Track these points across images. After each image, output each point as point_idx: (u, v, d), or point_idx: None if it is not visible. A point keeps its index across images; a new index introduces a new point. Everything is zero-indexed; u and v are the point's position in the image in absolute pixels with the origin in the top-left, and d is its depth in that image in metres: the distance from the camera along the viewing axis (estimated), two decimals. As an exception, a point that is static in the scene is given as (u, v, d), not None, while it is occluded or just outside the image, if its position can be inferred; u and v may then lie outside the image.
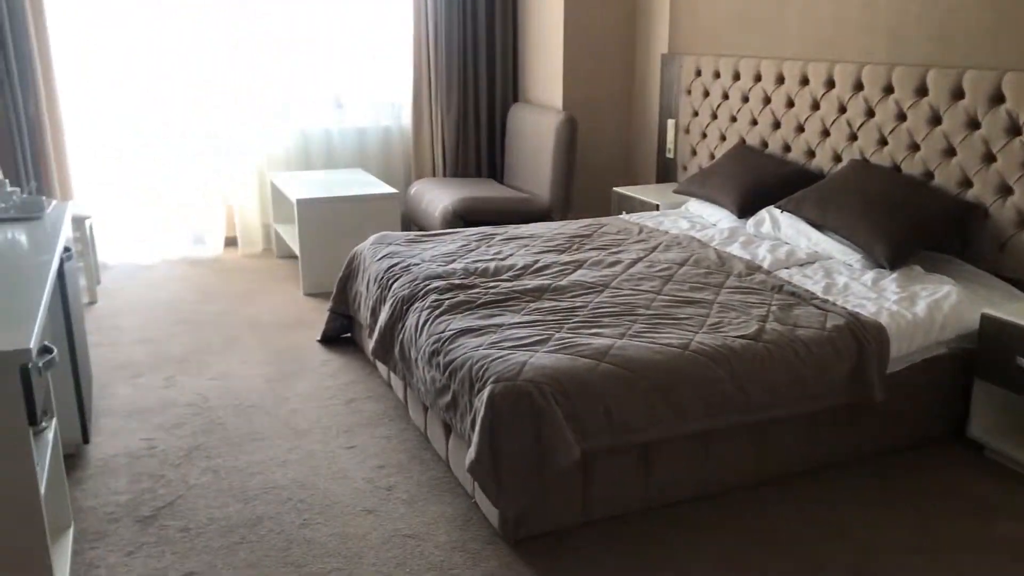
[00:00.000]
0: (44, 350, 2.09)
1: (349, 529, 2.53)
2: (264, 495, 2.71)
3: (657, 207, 4.65)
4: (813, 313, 2.92)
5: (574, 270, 3.43)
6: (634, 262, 3.53)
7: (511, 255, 3.64)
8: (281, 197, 5.48)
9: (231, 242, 5.74)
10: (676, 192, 4.51)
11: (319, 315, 4.38)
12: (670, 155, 5.15)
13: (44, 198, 3.01)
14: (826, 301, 3.04)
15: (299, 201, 4.64)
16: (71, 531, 2.44)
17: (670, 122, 5.11)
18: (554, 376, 2.43)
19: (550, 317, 2.88)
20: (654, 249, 3.73)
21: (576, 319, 2.86)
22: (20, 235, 2.69)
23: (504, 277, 3.33)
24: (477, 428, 2.38)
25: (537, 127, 5.35)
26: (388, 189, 4.94)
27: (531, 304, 3.02)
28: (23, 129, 4.78)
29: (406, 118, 5.88)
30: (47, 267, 2.34)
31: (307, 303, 4.60)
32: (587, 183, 5.63)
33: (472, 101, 5.79)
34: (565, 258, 3.58)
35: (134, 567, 2.35)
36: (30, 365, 1.81)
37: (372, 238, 3.95)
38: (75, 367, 2.82)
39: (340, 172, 5.52)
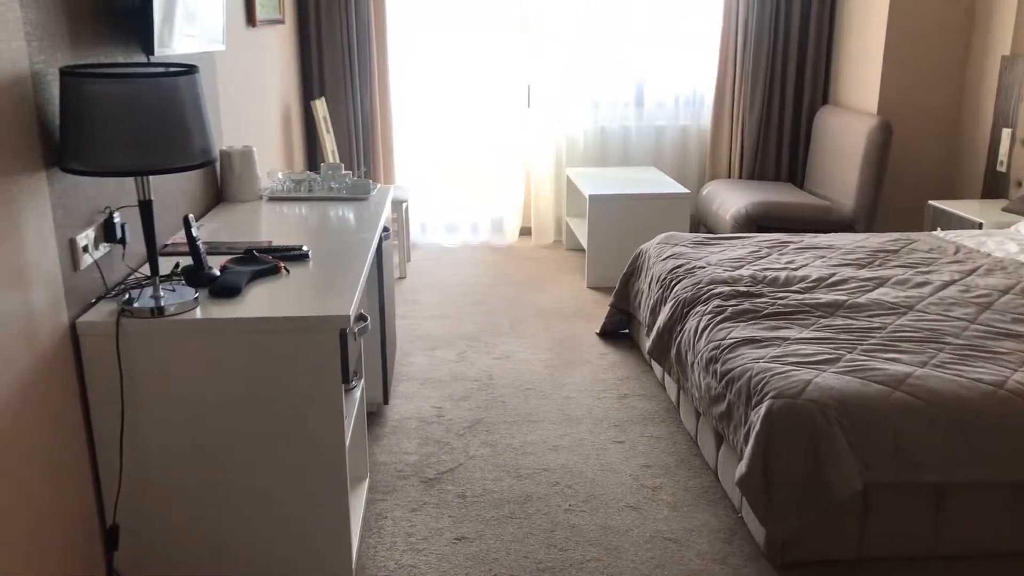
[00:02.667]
0: (360, 318, 2.35)
1: (612, 522, 2.57)
2: (535, 475, 2.84)
3: (980, 225, 4.17)
4: None
5: (874, 287, 3.18)
6: (946, 285, 3.20)
7: (805, 266, 3.46)
8: (575, 191, 5.65)
9: (525, 232, 6.03)
10: (1006, 210, 4.02)
11: (600, 308, 4.47)
12: (1002, 168, 4.59)
13: (371, 182, 3.36)
14: None
15: (591, 197, 4.76)
16: (366, 482, 2.73)
17: (1005, 132, 4.55)
18: (840, 399, 2.28)
19: (842, 336, 2.71)
20: (972, 272, 3.36)
21: (871, 341, 2.66)
22: (349, 213, 3.03)
23: (795, 288, 3.18)
24: (751, 443, 2.31)
25: (847, 131, 5.02)
26: (680, 189, 4.90)
27: (822, 320, 2.86)
28: (359, 122, 5.38)
29: (705, 117, 5.80)
30: (368, 244, 2.62)
31: (590, 296, 4.72)
32: (897, 194, 5.19)
33: (777, 101, 5.57)
34: (865, 274, 3.34)
35: (416, 523, 2.57)
36: (347, 330, 2.04)
37: (659, 237, 3.96)
38: (383, 335, 3.13)
39: (634, 169, 5.58)
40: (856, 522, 2.35)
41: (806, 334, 2.73)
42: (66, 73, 1.77)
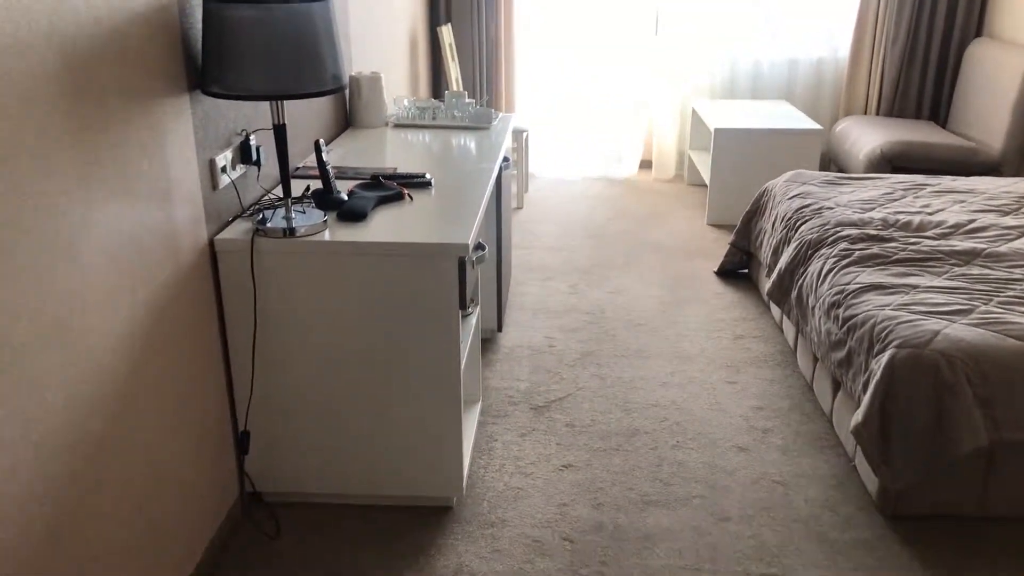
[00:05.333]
0: (478, 247, 2.39)
1: (719, 462, 2.57)
2: (643, 410, 2.85)
3: None
4: None
5: (1018, 236, 2.99)
6: (1101, 236, 2.97)
7: (941, 210, 3.28)
8: (700, 124, 5.50)
9: (646, 165, 5.93)
10: None
11: (719, 246, 4.38)
12: None
13: (493, 111, 3.37)
14: None
15: (717, 130, 4.62)
16: (479, 406, 2.81)
17: None
18: (971, 352, 2.18)
19: (977, 286, 2.57)
20: None
21: (1010, 293, 2.52)
22: (470, 142, 3.06)
23: (929, 234, 3.02)
24: (869, 391, 2.25)
25: (1001, 67, 4.66)
26: (812, 124, 4.69)
27: (956, 268, 2.72)
28: (483, 49, 5.36)
29: (843, 49, 5.48)
30: (488, 174, 2.64)
31: (709, 233, 4.62)
32: (1054, 136, 4.80)
33: (924, 33, 5.20)
34: (1009, 221, 3.13)
35: (524, 448, 2.64)
36: (466, 258, 2.08)
37: (786, 175, 3.82)
38: (499, 264, 3.18)
39: (764, 103, 5.36)
40: (978, 479, 2.27)
41: (937, 283, 2.60)
42: (208, -1, 1.84)
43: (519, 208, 5.06)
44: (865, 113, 5.45)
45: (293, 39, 1.85)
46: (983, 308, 2.41)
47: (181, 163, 1.91)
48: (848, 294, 2.61)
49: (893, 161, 4.55)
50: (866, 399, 2.25)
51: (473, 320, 2.60)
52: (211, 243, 2.08)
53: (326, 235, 2.10)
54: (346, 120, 3.31)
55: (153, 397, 1.82)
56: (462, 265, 2.08)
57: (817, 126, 4.66)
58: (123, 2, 1.66)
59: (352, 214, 2.20)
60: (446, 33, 4.80)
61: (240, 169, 2.23)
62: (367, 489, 2.32)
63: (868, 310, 2.46)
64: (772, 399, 2.93)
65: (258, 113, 2.35)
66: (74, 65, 1.50)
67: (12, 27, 1.33)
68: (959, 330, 2.27)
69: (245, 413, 2.25)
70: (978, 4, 5.14)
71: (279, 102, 2.02)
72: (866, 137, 4.78)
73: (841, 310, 2.58)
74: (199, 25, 1.99)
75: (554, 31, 5.62)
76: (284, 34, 1.84)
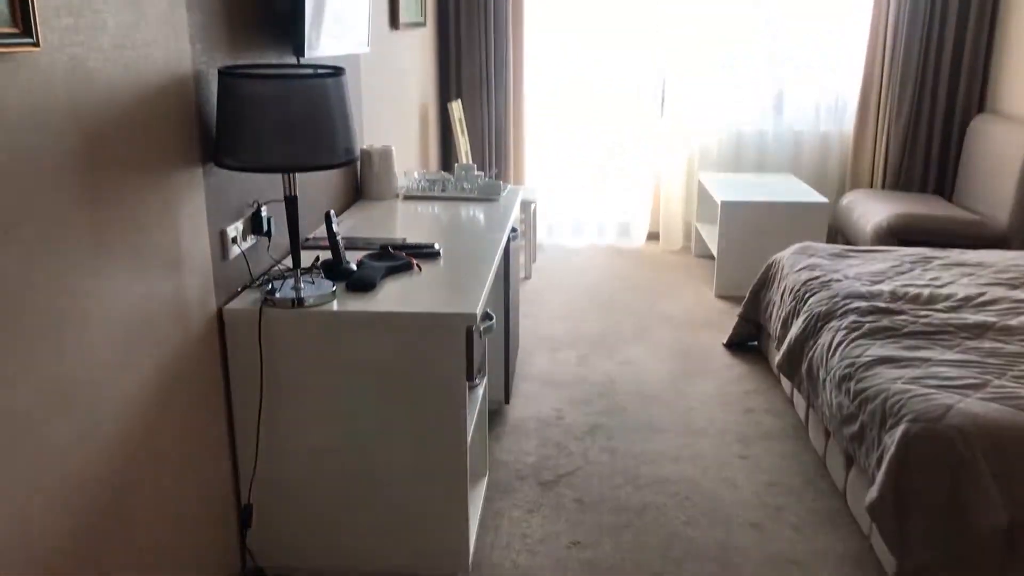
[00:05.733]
0: (486, 316, 2.39)
1: (731, 539, 2.51)
2: (654, 485, 2.80)
3: None
4: None
5: (1029, 310, 2.97)
6: (1113, 310, 2.95)
7: (950, 283, 3.27)
8: (706, 197, 5.54)
9: (653, 236, 5.96)
10: None
11: (728, 318, 4.37)
12: None
13: (501, 183, 3.40)
14: None
15: (723, 203, 4.66)
16: (485, 480, 2.77)
17: None
18: (986, 427, 2.15)
19: (990, 360, 2.54)
20: None
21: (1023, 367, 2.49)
22: (479, 213, 3.09)
23: (939, 307, 3.01)
24: (884, 467, 2.20)
25: (1004, 141, 4.71)
26: (818, 198, 4.73)
27: (968, 342, 2.69)
28: (492, 124, 5.46)
29: (848, 123, 5.56)
30: (497, 244, 2.65)
31: (717, 305, 4.61)
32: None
33: (928, 107, 5.27)
34: (1019, 295, 3.12)
35: (532, 525, 2.59)
36: (474, 328, 2.08)
37: (794, 247, 3.83)
38: (507, 335, 3.17)
39: (769, 176, 5.42)
40: (999, 558, 2.20)
41: (949, 356, 2.58)
42: (224, 73, 1.88)
43: (527, 278, 5.08)
44: (871, 187, 5.49)
45: (307, 113, 1.88)
46: (997, 383, 2.38)
47: (192, 234, 1.93)
48: (859, 367, 2.58)
49: (899, 234, 4.56)
50: (880, 475, 2.21)
51: (480, 391, 2.57)
52: (220, 313, 2.08)
53: (334, 305, 2.10)
54: (357, 192, 3.35)
55: (156, 469, 1.79)
56: (470, 335, 2.07)
57: (823, 199, 4.69)
58: (140, 76, 1.69)
59: (361, 284, 2.20)
60: (456, 108, 4.90)
61: (251, 240, 2.24)
62: (371, 565, 2.27)
63: (880, 383, 2.43)
64: (784, 474, 2.87)
65: (270, 184, 2.38)
66: (90, 137, 1.53)
67: (31, 100, 1.36)
68: (973, 405, 2.24)
69: (248, 486, 2.21)
70: (979, 80, 5.23)
71: (292, 175, 2.04)
72: (872, 210, 4.81)
73: (852, 383, 2.55)
74: (214, 98, 2.03)
75: (562, 104, 5.72)
76: (298, 108, 1.87)
